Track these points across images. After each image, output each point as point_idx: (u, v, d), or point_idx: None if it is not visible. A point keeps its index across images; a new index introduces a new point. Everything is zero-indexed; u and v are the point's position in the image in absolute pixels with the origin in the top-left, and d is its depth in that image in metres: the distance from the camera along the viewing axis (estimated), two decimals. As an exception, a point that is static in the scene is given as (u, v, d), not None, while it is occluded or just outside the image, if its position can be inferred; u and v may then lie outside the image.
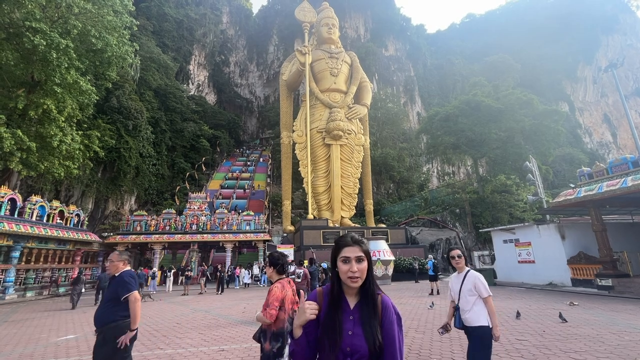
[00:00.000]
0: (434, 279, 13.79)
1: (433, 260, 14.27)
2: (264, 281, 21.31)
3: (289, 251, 20.94)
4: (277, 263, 3.28)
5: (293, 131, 28.14)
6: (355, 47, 59.08)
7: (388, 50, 71.02)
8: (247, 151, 62.53)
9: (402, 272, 20.86)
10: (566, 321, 7.42)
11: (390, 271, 19.19)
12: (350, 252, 1.50)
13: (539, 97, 35.81)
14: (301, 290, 2.65)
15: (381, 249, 19.07)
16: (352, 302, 1.52)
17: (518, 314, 8.18)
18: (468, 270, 3.47)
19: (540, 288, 14.52)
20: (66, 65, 16.81)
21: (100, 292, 14.44)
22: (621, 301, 10.48)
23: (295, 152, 27.63)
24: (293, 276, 10.28)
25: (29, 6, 15.70)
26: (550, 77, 74.30)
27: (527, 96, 31.46)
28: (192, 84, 64.92)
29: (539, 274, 15.63)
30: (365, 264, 1.50)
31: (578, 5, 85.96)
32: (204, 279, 19.22)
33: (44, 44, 15.42)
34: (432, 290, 13.64)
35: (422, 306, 10.58)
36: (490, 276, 16.95)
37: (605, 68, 17.72)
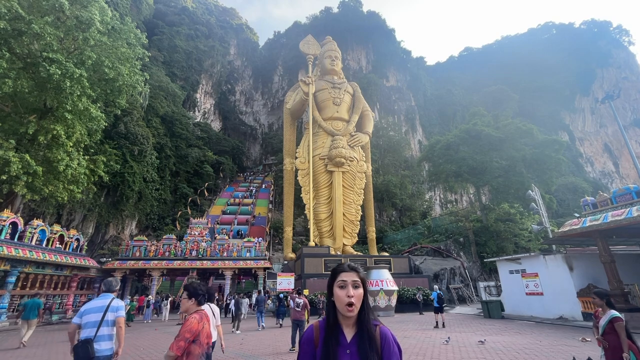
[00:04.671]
0: (439, 310, 13.27)
1: (438, 291, 13.83)
2: (259, 319, 19.36)
3: (289, 279, 20.43)
4: (199, 294, 2.96)
5: (296, 158, 28.45)
6: (357, 78, 61.15)
7: (389, 81, 73.37)
8: (250, 177, 62.92)
9: (406, 303, 20.14)
10: None
11: (393, 302, 18.56)
12: (347, 276, 1.51)
13: (538, 126, 36.38)
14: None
15: (384, 279, 18.55)
16: (348, 334, 1.48)
17: None
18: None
19: (550, 322, 13.93)
20: (78, 93, 17.40)
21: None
22: (636, 337, 9.99)
23: (297, 178, 27.77)
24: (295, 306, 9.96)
25: (48, 38, 16.54)
26: (549, 107, 75.91)
27: (526, 126, 31.97)
28: (199, 111, 66.75)
29: (549, 307, 15.06)
30: (361, 291, 1.50)
31: (572, 41, 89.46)
32: None
33: (59, 73, 16.06)
34: (437, 323, 13.11)
35: (428, 340, 10.14)
36: (498, 308, 16.35)
37: (602, 99, 18.09)
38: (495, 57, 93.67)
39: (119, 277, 23.49)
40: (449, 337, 10.02)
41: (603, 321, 4.12)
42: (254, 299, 21.84)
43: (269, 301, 21.81)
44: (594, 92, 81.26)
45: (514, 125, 32.14)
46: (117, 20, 20.75)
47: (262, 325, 14.50)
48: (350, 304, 1.45)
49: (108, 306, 3.87)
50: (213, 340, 4.76)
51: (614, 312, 4.08)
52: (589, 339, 9.51)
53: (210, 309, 4.90)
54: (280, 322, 15.53)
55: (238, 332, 13.54)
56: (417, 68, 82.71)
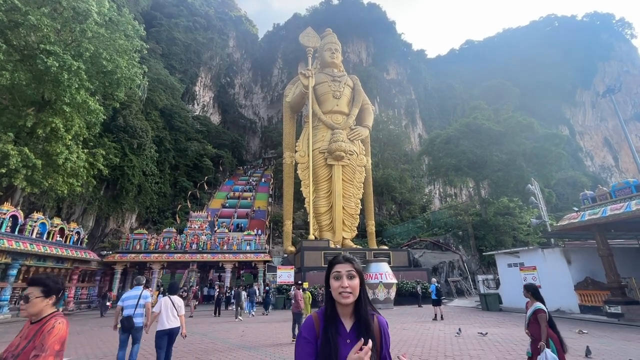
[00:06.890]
0: (437, 303, 13.43)
1: (436, 284, 13.95)
2: (249, 308, 17.23)
3: (289, 272, 20.57)
4: (60, 290, 2.27)
5: (295, 151, 28.37)
6: (357, 71, 60.67)
7: (389, 74, 72.83)
8: (250, 170, 62.85)
9: (405, 296, 20.36)
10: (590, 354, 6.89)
11: (392, 295, 18.73)
12: (342, 267, 1.53)
13: (538, 120, 36.23)
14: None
15: (383, 272, 18.70)
16: (347, 324, 1.51)
17: (588, 351, 6.90)
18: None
19: (547, 315, 14.07)
20: (76, 86, 17.27)
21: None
22: (632, 330, 10.12)
23: (297, 172, 27.75)
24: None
25: (45, 30, 16.34)
26: (549, 101, 75.54)
27: (527, 120, 31.84)
28: (198, 104, 66.34)
29: (546, 300, 14.74)
30: (356, 281, 1.52)
31: (574, 34, 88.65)
32: (195, 301, 19.19)
33: (57, 65, 15.89)
34: (435, 315, 13.25)
35: (427, 332, 10.26)
36: (496, 301, 16.51)
37: (603, 93, 17.98)
38: (497, 50, 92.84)
39: (119, 270, 23.78)
40: (459, 329, 9.99)
41: (528, 313, 4.33)
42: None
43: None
44: (595, 86, 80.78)
45: (515, 119, 32.01)
46: (115, 12, 20.46)
47: (252, 314, 16.81)
48: (344, 293, 1.48)
49: (140, 295, 6.08)
50: (176, 326, 5.70)
51: (538, 304, 4.25)
52: (586, 331, 9.62)
53: (171, 301, 5.79)
54: (266, 312, 17.75)
55: (240, 318, 14.80)
56: (418, 61, 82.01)
